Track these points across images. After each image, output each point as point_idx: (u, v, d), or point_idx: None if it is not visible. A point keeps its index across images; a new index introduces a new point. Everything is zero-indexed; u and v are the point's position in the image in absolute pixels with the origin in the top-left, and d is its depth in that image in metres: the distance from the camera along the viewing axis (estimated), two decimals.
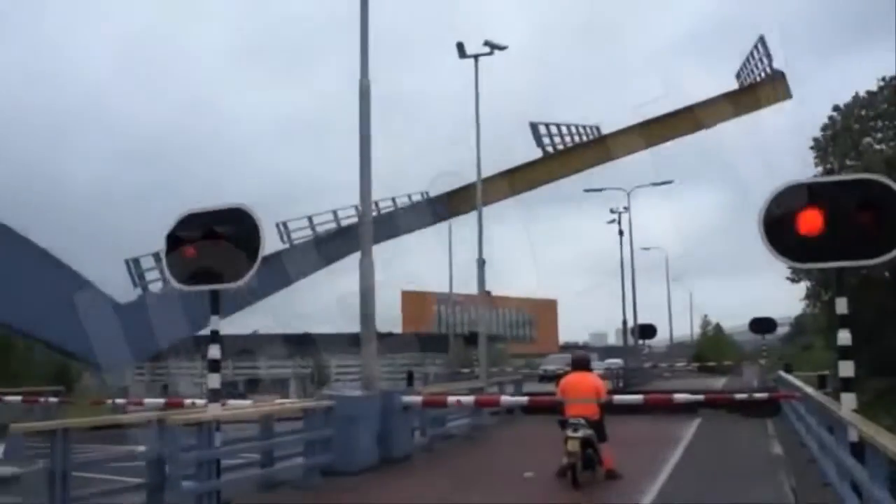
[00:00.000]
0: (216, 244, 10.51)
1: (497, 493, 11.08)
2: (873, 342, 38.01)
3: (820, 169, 41.44)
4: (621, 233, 51.09)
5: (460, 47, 29.95)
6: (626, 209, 51.35)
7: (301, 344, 43.47)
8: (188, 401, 17.07)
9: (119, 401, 20.81)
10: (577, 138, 44.43)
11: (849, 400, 9.16)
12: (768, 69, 40.48)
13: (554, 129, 43.65)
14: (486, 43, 29.90)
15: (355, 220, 35.31)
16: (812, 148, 44.92)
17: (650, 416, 19.20)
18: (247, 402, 15.49)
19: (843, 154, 43.44)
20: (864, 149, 43.54)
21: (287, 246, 36.79)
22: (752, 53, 42.28)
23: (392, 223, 39.46)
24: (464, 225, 46.65)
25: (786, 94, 40.58)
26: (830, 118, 45.01)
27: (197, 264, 10.70)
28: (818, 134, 44.51)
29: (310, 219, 38.19)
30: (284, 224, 37.18)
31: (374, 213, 33.78)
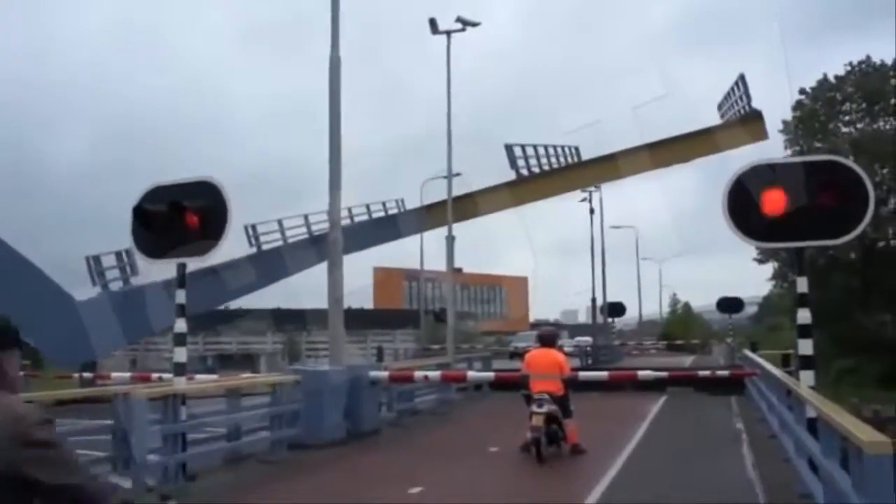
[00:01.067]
0: (183, 217, 10.45)
1: (462, 466, 11.17)
2: (840, 322, 38.63)
3: (789, 151, 41.89)
4: (592, 211, 51.44)
5: (433, 23, 29.83)
6: (598, 188, 51.61)
7: (273, 319, 43.44)
8: (155, 375, 17.03)
9: (86, 375, 20.71)
10: (553, 160, 43.31)
11: (807, 377, 9.33)
12: (746, 108, 40.44)
13: (531, 151, 42.26)
14: (459, 19, 29.79)
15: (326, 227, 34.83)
16: (781, 131, 45.37)
17: (617, 394, 19.40)
18: (213, 377, 15.48)
19: (811, 136, 43.92)
20: (831, 131, 44.05)
21: (254, 250, 35.90)
22: (732, 90, 42.31)
23: (366, 235, 38.90)
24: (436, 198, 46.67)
25: (762, 136, 40.40)
26: (798, 101, 45.46)
27: (163, 237, 10.65)
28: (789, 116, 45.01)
29: (279, 222, 37.18)
30: (253, 227, 36.06)
31: (347, 222, 33.39)
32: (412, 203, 42.73)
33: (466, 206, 37.49)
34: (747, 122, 37.90)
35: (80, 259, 33.36)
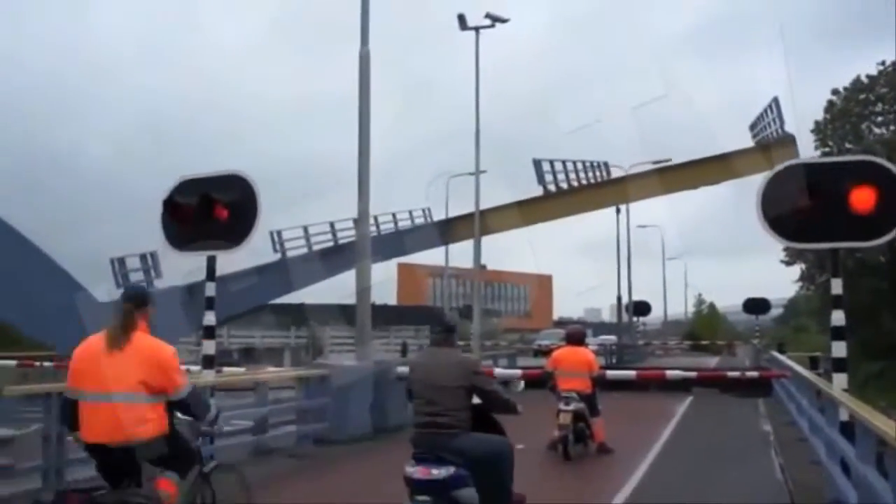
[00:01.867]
0: (213, 210, 10.49)
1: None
2: (867, 325, 38.23)
3: (819, 152, 41.52)
4: (618, 210, 51.23)
5: (461, 19, 29.83)
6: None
7: (297, 314, 43.56)
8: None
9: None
10: (581, 175, 42.97)
11: (841, 380, 9.21)
12: (779, 131, 39.64)
13: (559, 167, 41.79)
14: (488, 15, 29.79)
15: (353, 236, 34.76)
16: (812, 131, 44.96)
17: (642, 394, 19.29)
18: (241, 370, 15.54)
19: (841, 138, 43.51)
20: (863, 133, 43.60)
21: (279, 256, 35.99)
22: (765, 112, 41.72)
23: (391, 246, 38.98)
24: (461, 199, 46.71)
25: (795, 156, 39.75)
26: (830, 102, 45.03)
27: (193, 230, 10.69)
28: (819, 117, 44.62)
29: (305, 229, 37.39)
30: (278, 233, 36.33)
31: (374, 233, 33.27)
32: (438, 207, 42.79)
33: (486, 221, 37.50)
34: (783, 145, 36.71)
35: (106, 258, 33.75)
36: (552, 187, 41.29)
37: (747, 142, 42.40)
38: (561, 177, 41.65)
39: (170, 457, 5.32)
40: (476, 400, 6.42)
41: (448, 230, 41.90)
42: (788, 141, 36.76)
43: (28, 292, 25.53)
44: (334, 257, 35.11)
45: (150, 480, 5.22)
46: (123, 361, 5.20)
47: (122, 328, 5.31)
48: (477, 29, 30.02)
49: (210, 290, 10.83)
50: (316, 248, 36.74)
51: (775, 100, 40.30)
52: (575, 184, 42.14)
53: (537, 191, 40.71)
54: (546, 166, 41.10)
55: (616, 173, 49.19)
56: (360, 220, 15.55)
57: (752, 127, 43.05)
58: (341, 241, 36.39)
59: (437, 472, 6.15)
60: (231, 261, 11.22)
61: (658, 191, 40.62)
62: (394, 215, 40.66)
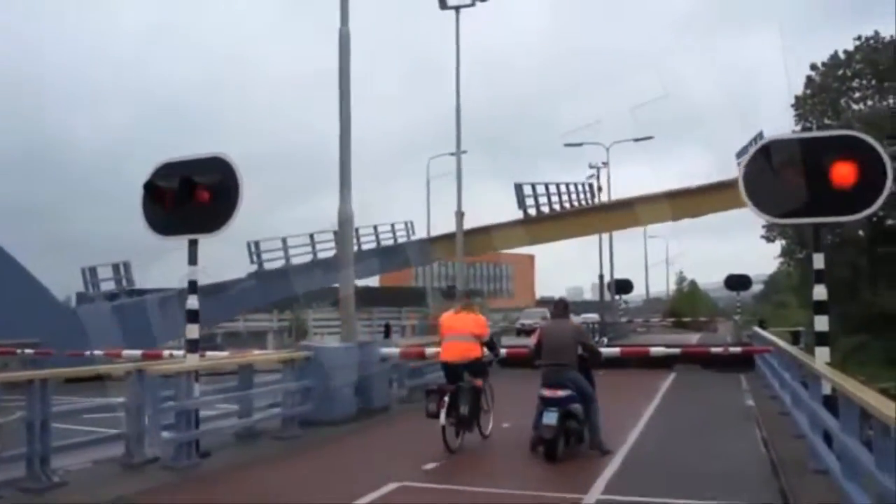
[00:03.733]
0: (194, 193, 10.40)
1: (474, 442, 11.16)
2: (847, 300, 38.53)
3: (800, 126, 41.66)
4: (600, 189, 51.31)
5: None
6: (605, 164, 51.52)
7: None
8: (166, 352, 17.05)
9: (97, 352, 20.74)
10: (565, 198, 42.72)
11: (823, 353, 9.29)
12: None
13: (541, 189, 41.44)
14: None
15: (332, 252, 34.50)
16: (792, 106, 45.08)
17: (625, 371, 19.35)
18: (224, 354, 15.49)
19: (821, 113, 43.67)
20: (841, 108, 43.78)
21: (256, 268, 35.57)
22: (752, 142, 41.05)
23: (372, 263, 38.95)
24: (444, 177, 46.66)
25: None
26: (808, 77, 45.17)
27: (175, 214, 10.60)
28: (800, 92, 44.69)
29: (283, 241, 36.97)
30: (256, 244, 35.94)
31: (356, 249, 33.08)
32: (420, 218, 42.69)
33: (480, 240, 37.46)
34: None
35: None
36: (532, 211, 40.85)
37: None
38: (543, 200, 41.32)
39: (478, 369, 11.20)
40: (580, 351, 10.72)
41: (431, 249, 41.86)
42: None
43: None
44: (315, 270, 34.98)
45: (470, 380, 11.04)
46: (464, 319, 11.23)
47: (465, 308, 11.46)
48: (457, 8, 29.90)
49: (193, 274, 10.74)
50: (294, 260, 36.57)
51: (759, 134, 39.50)
52: (557, 207, 41.70)
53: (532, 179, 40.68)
54: (528, 189, 40.76)
55: (598, 152, 49.07)
56: (342, 203, 15.47)
57: (738, 155, 42.22)
58: (320, 256, 36.26)
59: (560, 393, 10.26)
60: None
61: (667, 216, 40.00)
62: (375, 228, 40.62)
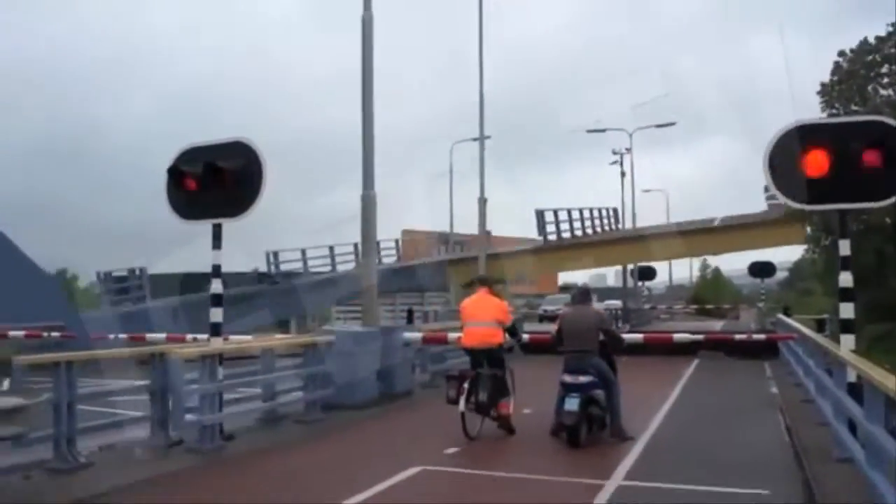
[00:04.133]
0: (218, 178, 10.44)
1: (496, 427, 11.16)
2: (872, 288, 38.15)
3: (826, 114, 41.20)
4: (623, 174, 51.12)
5: None
6: (629, 150, 51.31)
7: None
8: (190, 336, 17.15)
9: (121, 336, 20.90)
10: (587, 224, 41.57)
11: (848, 341, 9.22)
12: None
13: (563, 216, 40.06)
14: None
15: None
16: (818, 93, 44.60)
17: (648, 357, 19.30)
18: (248, 337, 15.56)
19: (848, 99, 43.19)
20: (868, 94, 43.27)
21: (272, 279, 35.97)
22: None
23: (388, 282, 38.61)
24: (467, 164, 46.56)
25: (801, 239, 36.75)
26: (836, 63, 44.63)
27: (198, 198, 10.65)
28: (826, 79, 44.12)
29: (303, 252, 37.42)
30: (275, 254, 36.13)
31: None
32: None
33: (493, 267, 36.93)
34: (789, 222, 34.41)
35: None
36: (553, 237, 39.58)
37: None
38: (564, 226, 40.15)
39: (498, 356, 11.15)
40: (601, 337, 10.73)
41: (448, 273, 41.23)
42: (799, 216, 34.18)
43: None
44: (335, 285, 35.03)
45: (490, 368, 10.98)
46: (486, 305, 11.21)
47: (487, 293, 11.43)
48: None
49: (216, 258, 10.81)
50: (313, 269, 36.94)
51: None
52: (579, 232, 40.59)
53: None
54: (549, 216, 39.65)
55: (619, 137, 48.58)
56: (365, 183, 15.47)
57: (766, 189, 41.06)
58: (339, 269, 36.46)
59: (582, 379, 10.27)
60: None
61: (681, 252, 38.83)
62: (396, 243, 41.20)
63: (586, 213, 41.56)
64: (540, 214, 39.51)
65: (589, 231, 41.15)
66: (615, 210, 45.39)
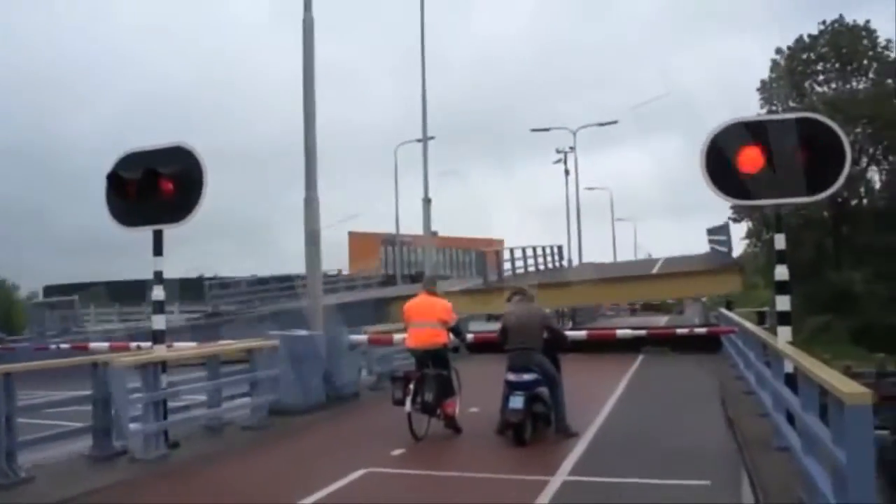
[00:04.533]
0: (158, 184, 10.33)
1: (443, 426, 11.20)
2: (812, 280, 39.08)
3: (765, 110, 42.02)
4: (567, 172, 51.64)
5: None
6: (572, 149, 51.84)
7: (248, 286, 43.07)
8: (133, 344, 16.94)
9: (63, 345, 20.58)
10: (539, 260, 41.05)
11: (785, 333, 9.45)
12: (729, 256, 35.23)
13: (518, 254, 39.37)
14: None
15: None
16: (758, 90, 45.44)
17: (594, 354, 19.47)
18: (192, 344, 15.39)
19: (786, 96, 44.10)
20: (806, 91, 44.22)
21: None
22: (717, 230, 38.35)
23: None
24: (411, 165, 46.53)
25: (739, 286, 35.34)
26: (773, 61, 45.54)
27: (138, 205, 10.52)
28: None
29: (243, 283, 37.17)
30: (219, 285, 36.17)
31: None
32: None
33: None
34: (727, 271, 33.15)
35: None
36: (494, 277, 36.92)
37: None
38: (512, 264, 38.80)
39: (444, 355, 11.18)
40: (545, 335, 10.79)
41: (387, 312, 40.21)
42: (736, 267, 34.19)
43: None
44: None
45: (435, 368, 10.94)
46: (429, 306, 11.23)
47: (430, 294, 11.46)
48: None
49: (158, 264, 10.69)
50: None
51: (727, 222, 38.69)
52: (521, 271, 39.12)
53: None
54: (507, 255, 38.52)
55: (563, 136, 48.97)
56: (309, 189, 15.42)
57: (709, 232, 40.64)
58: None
59: (526, 377, 10.35)
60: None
61: (622, 297, 37.30)
62: (339, 272, 40.76)
63: (529, 252, 40.91)
64: (480, 255, 39.16)
65: (532, 269, 40.17)
66: (560, 247, 45.71)
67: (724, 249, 33.87)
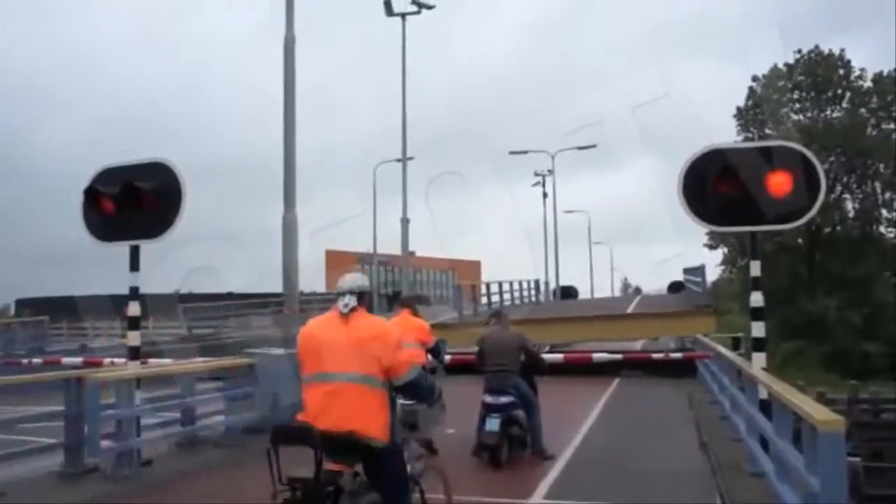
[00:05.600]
0: (136, 199, 10.29)
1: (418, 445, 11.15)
2: (786, 306, 39.39)
3: (741, 137, 42.46)
4: (545, 195, 51.90)
5: (387, 5, 29.78)
6: (551, 172, 52.14)
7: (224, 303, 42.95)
8: (107, 360, 16.81)
9: (35, 360, 20.38)
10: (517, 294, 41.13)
11: (759, 359, 9.53)
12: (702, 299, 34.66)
13: (495, 288, 39.28)
14: (414, 1, 29.80)
15: None
16: (734, 116, 45.93)
17: (570, 377, 19.48)
18: (167, 361, 15.31)
19: (762, 123, 44.62)
20: (782, 118, 44.76)
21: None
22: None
23: None
24: (390, 184, 46.54)
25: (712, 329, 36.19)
26: (750, 88, 46.08)
27: (116, 220, 10.48)
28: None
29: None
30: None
31: None
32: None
33: None
34: (702, 313, 34.04)
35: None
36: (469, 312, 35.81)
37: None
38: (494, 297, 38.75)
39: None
40: (522, 358, 10.76)
41: None
42: (710, 310, 34.18)
43: None
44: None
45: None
46: (408, 326, 10.26)
47: (408, 314, 10.93)
48: (403, 15, 30.02)
49: (134, 280, 10.64)
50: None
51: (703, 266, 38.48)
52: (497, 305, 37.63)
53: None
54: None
55: (542, 159, 49.16)
56: (287, 208, 15.38)
57: (685, 272, 40.90)
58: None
59: (503, 399, 10.34)
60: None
61: (599, 335, 37.70)
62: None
63: (506, 287, 40.77)
64: (457, 289, 38.71)
65: (508, 303, 39.49)
66: (537, 281, 45.82)
67: (699, 290, 33.95)
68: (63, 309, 42.71)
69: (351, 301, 5.08)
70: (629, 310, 37.60)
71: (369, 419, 4.91)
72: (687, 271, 39.00)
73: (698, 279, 34.86)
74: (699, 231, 40.52)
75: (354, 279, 5.21)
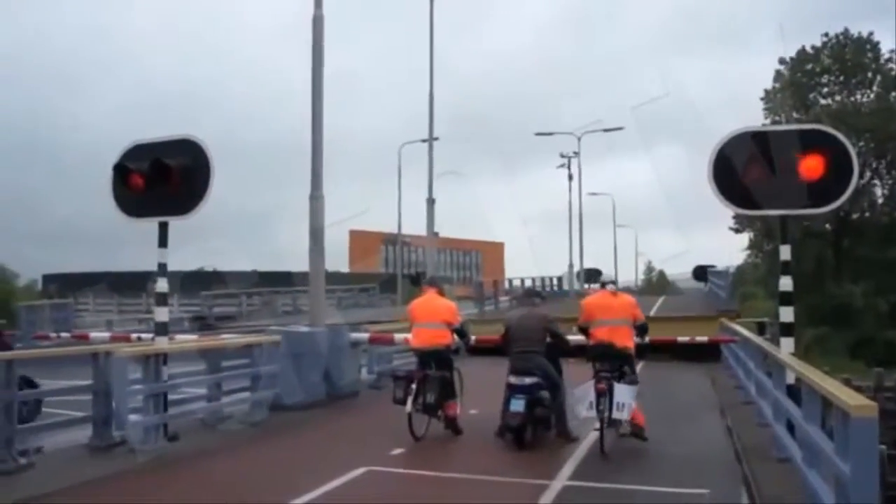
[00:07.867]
0: (165, 176, 10.33)
1: (442, 427, 11.19)
2: (812, 292, 39.04)
3: (769, 120, 41.98)
4: (571, 178, 51.62)
5: None
6: (576, 154, 51.82)
7: (251, 281, 43.16)
8: (134, 335, 16.94)
9: (64, 334, 20.56)
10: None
11: (787, 344, 9.44)
12: None
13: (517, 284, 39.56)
14: None
15: None
16: (761, 99, 45.37)
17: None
18: (193, 337, 15.41)
19: (790, 107, 44.07)
20: (810, 102, 44.17)
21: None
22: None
23: None
24: (415, 165, 46.54)
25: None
26: (777, 72, 45.49)
27: (145, 196, 10.52)
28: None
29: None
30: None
31: None
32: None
33: None
34: (724, 317, 33.27)
35: None
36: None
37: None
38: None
39: (447, 356, 11.28)
40: (548, 339, 10.79)
41: None
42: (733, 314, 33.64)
43: None
44: None
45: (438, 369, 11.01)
46: (435, 306, 11.33)
47: (436, 294, 11.45)
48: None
49: (162, 256, 10.68)
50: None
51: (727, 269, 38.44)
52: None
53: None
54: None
55: (568, 141, 48.87)
56: (314, 188, 15.40)
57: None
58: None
59: (527, 380, 10.29)
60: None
61: None
62: None
63: (528, 284, 40.70)
64: (479, 285, 38.59)
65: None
66: (560, 279, 45.56)
67: (723, 294, 33.72)
68: (88, 284, 43.14)
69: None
70: (652, 312, 37.39)
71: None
72: (712, 273, 38.80)
73: (721, 283, 34.67)
74: (726, 213, 40.27)
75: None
